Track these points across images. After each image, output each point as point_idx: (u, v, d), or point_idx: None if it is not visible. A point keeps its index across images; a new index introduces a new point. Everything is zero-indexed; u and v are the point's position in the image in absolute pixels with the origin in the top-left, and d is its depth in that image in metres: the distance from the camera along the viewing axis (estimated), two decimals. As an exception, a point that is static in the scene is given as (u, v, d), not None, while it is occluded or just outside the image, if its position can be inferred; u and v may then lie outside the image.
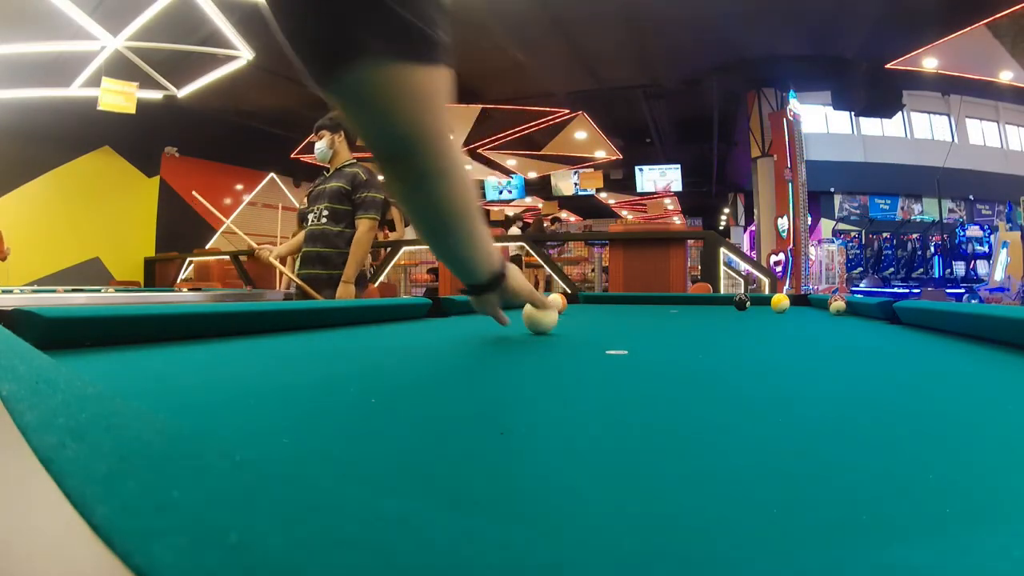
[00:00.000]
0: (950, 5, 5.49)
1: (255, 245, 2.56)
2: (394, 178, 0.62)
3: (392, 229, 5.55)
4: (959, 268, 9.35)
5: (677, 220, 14.31)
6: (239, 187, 9.76)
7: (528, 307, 0.96)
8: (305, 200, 2.38)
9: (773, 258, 7.81)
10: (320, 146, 2.29)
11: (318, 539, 0.11)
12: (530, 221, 8.04)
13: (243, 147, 8.67)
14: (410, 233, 5.43)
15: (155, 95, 6.21)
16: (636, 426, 0.37)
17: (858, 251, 10.08)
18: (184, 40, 5.45)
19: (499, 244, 5.01)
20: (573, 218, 14.61)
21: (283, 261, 2.49)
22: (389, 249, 5.25)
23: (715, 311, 1.78)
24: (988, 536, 0.13)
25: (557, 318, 0.97)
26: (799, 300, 2.06)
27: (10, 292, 3.23)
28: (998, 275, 8.25)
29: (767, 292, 4.00)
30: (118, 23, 5.02)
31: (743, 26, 6.04)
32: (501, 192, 11.33)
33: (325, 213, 2.26)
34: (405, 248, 5.20)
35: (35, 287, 4.34)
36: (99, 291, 3.55)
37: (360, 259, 2.24)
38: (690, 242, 4.85)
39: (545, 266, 4.95)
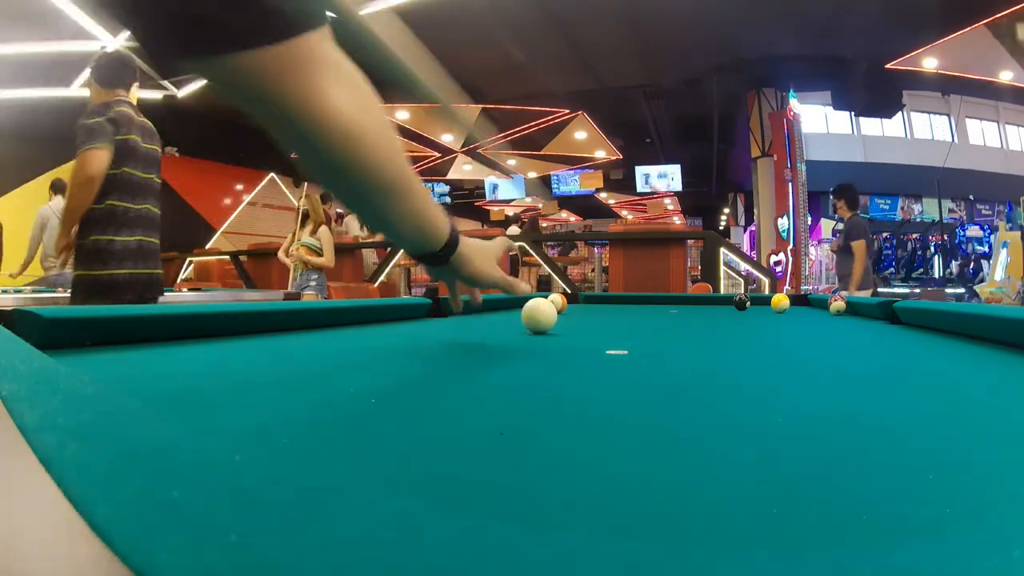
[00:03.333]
0: (950, 5, 5.49)
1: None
2: (297, 150, 0.54)
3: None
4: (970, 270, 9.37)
5: (677, 220, 14.31)
6: (239, 187, 9.76)
7: (527, 307, 0.96)
8: None
9: (773, 258, 7.81)
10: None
11: (318, 539, 0.11)
12: (527, 220, 8.06)
13: (243, 147, 8.67)
14: None
15: (155, 95, 6.22)
16: (636, 426, 0.37)
17: (858, 251, 10.06)
18: (184, 40, 5.44)
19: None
20: (573, 218, 14.61)
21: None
22: (389, 249, 5.25)
23: (715, 311, 1.78)
24: (988, 536, 0.13)
25: (556, 317, 0.96)
26: (799, 300, 2.06)
27: (9, 292, 3.23)
28: (998, 275, 8.25)
29: (767, 292, 4.00)
30: (118, 23, 5.03)
31: (743, 26, 6.04)
32: (499, 192, 11.35)
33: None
34: (405, 248, 5.19)
35: (35, 287, 4.34)
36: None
37: (69, 214, 1.71)
38: (690, 242, 4.86)
39: (545, 266, 4.95)
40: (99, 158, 1.73)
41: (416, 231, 0.62)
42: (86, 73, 5.90)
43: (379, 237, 5.45)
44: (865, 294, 3.40)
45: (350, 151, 0.52)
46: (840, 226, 4.00)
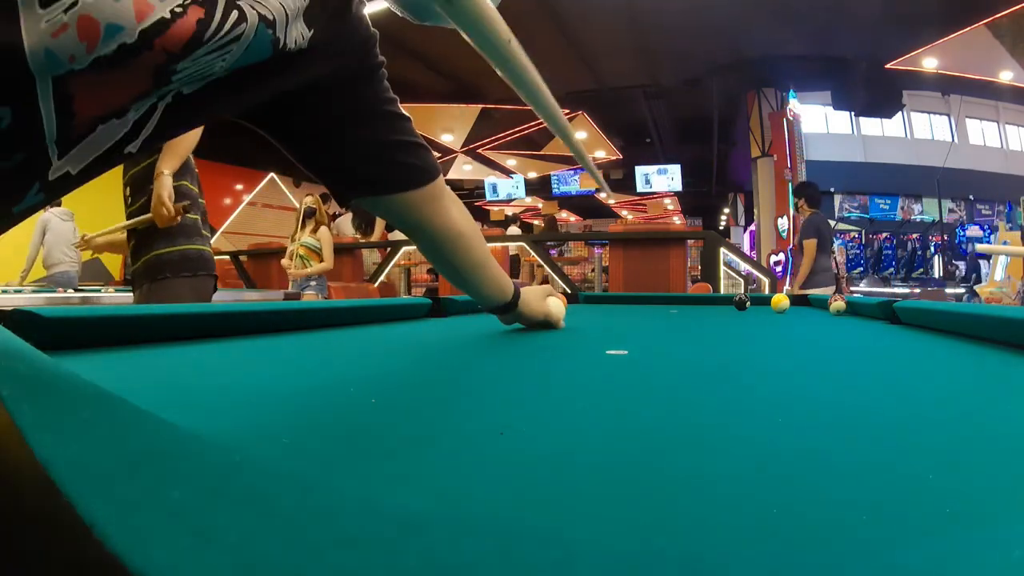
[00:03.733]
0: (950, 5, 5.49)
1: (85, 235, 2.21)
2: (423, 248, 0.85)
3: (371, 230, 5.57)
4: (960, 268, 9.38)
5: (677, 220, 14.32)
6: (239, 187, 9.76)
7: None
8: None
9: (773, 258, 7.81)
10: None
11: (318, 539, 0.11)
12: (529, 221, 8.05)
13: (243, 147, 8.65)
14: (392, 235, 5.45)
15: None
16: (636, 426, 0.37)
17: (858, 251, 10.09)
18: (184, 40, 5.45)
19: (500, 244, 5.01)
20: (573, 218, 14.63)
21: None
22: (389, 249, 5.25)
23: (715, 311, 1.78)
24: (988, 536, 0.13)
25: (564, 311, 1.01)
26: (799, 300, 2.06)
27: (9, 292, 3.23)
28: (998, 275, 8.25)
29: (767, 292, 4.00)
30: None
31: (743, 26, 6.04)
32: (509, 195, 11.35)
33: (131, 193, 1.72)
34: (405, 248, 5.20)
35: (34, 287, 4.35)
36: (99, 291, 3.56)
37: (180, 145, 1.67)
38: (690, 242, 4.85)
39: (545, 266, 4.95)
40: None
41: (492, 290, 0.91)
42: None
43: (375, 237, 5.47)
44: (828, 291, 3.43)
45: (459, 245, 0.83)
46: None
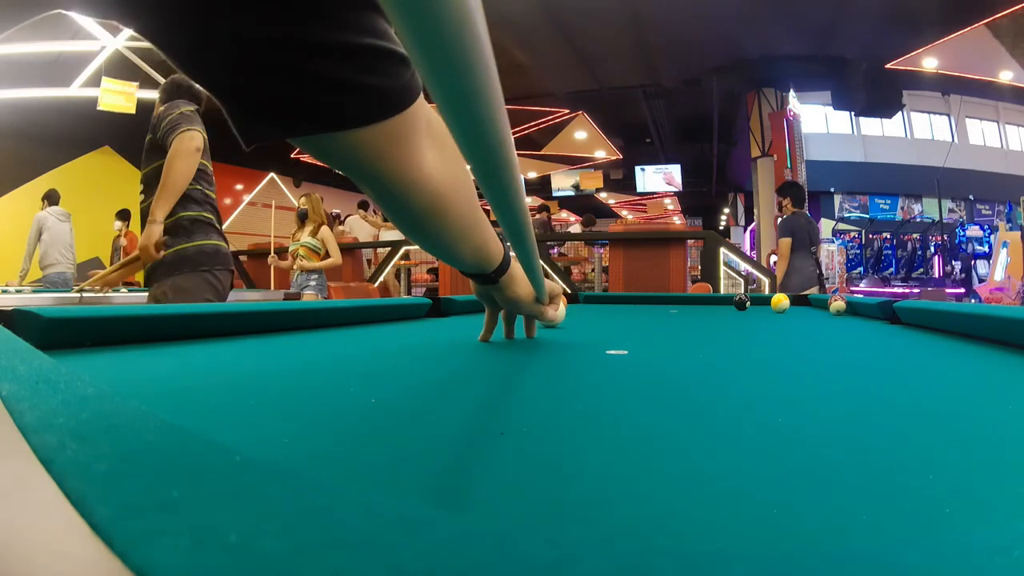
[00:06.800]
0: (950, 5, 5.49)
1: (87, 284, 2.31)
2: (382, 205, 0.55)
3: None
4: (959, 268, 9.39)
5: (677, 220, 14.33)
6: (239, 187, 9.76)
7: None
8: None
9: (773, 258, 7.80)
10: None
11: (318, 539, 0.11)
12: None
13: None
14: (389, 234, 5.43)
15: (155, 95, 6.21)
16: (636, 426, 0.37)
17: (858, 251, 10.10)
18: (184, 40, 5.45)
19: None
20: (573, 218, 14.63)
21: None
22: (389, 249, 5.25)
23: (715, 311, 1.78)
24: (988, 536, 0.13)
25: (564, 312, 0.98)
26: (799, 300, 2.06)
27: (9, 292, 3.23)
28: (998, 275, 8.25)
29: (767, 292, 4.00)
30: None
31: (743, 26, 6.04)
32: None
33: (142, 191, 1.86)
34: (405, 247, 5.20)
35: (32, 287, 4.34)
36: (99, 291, 3.55)
37: (173, 187, 1.74)
38: (690, 242, 4.85)
39: (545, 265, 4.96)
40: (198, 136, 1.84)
41: (474, 259, 0.68)
42: (86, 73, 5.91)
43: (382, 231, 5.46)
44: (812, 291, 3.44)
45: (435, 207, 0.54)
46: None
